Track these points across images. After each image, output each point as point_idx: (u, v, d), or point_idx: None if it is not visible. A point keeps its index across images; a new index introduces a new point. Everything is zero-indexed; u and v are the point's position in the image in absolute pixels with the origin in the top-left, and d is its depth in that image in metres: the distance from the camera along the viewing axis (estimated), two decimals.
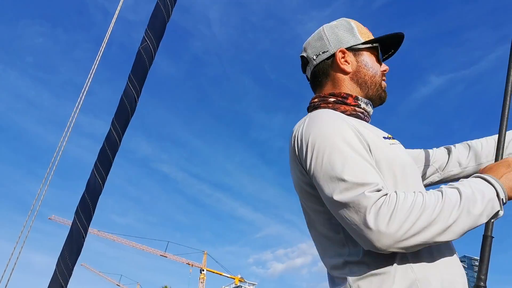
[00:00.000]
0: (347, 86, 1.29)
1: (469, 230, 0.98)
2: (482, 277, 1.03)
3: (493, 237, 1.06)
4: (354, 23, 1.34)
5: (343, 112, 1.23)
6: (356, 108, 1.25)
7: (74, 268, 1.59)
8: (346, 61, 1.29)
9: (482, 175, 1.03)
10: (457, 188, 1.00)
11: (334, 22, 1.36)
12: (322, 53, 1.31)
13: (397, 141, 1.23)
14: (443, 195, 0.98)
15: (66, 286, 1.54)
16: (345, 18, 1.37)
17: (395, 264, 1.02)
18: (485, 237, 1.06)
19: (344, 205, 0.98)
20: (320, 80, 1.33)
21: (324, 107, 1.24)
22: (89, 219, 1.63)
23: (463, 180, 1.04)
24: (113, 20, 1.81)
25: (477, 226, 0.99)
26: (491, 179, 1.01)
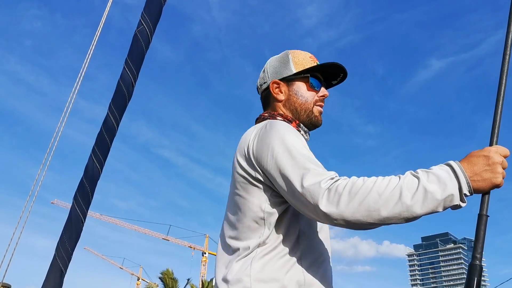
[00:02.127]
0: (287, 111, 1.46)
1: (423, 215, 1.06)
2: (478, 255, 1.04)
3: (488, 216, 1.07)
4: (293, 55, 1.49)
5: None
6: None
7: (74, 252, 1.60)
8: (279, 90, 1.47)
9: (453, 164, 1.08)
10: (418, 177, 1.06)
11: (277, 56, 1.54)
12: (263, 83, 1.51)
13: None
14: (400, 180, 1.06)
15: (65, 271, 1.54)
16: (287, 51, 1.52)
17: (292, 261, 1.22)
18: (480, 216, 1.07)
19: (304, 192, 1.11)
20: (265, 105, 1.53)
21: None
22: (87, 204, 1.63)
23: (433, 167, 1.10)
24: (109, 4, 1.79)
25: (434, 213, 1.06)
26: (460, 171, 1.06)
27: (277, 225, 1.26)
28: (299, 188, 1.12)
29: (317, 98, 1.47)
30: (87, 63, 1.86)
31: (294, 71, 1.46)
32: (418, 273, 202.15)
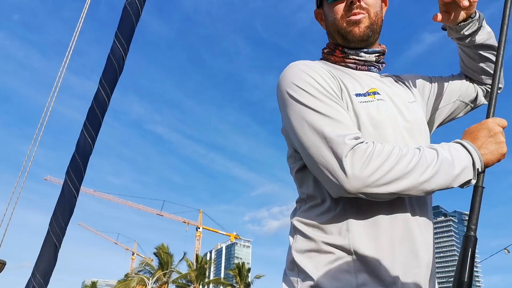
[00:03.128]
0: (330, 38, 1.36)
1: (438, 190, 1.05)
2: (472, 226, 1.04)
3: (484, 188, 1.07)
4: None
5: (333, 62, 1.33)
6: (345, 59, 1.30)
7: (68, 228, 1.60)
8: (321, 19, 1.41)
9: (462, 141, 1.08)
10: (436, 150, 1.05)
11: None
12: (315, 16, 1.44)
13: (383, 97, 1.23)
14: (421, 152, 1.03)
15: (59, 245, 1.55)
16: None
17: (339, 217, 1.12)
18: (475, 187, 1.07)
19: (321, 148, 1.05)
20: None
21: (322, 57, 1.38)
22: (80, 179, 1.62)
23: (443, 143, 1.09)
24: None
25: (448, 189, 1.04)
26: (470, 147, 1.06)
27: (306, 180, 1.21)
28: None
29: (343, 12, 1.28)
30: (76, 37, 1.83)
31: None
32: None
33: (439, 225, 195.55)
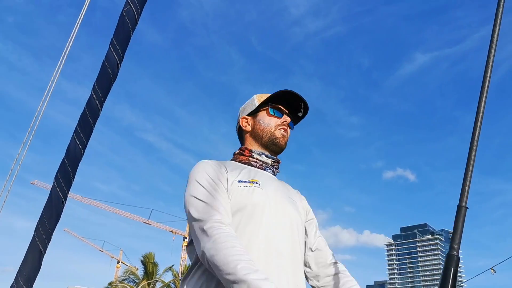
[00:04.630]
0: (248, 141, 1.75)
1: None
2: (455, 246, 1.05)
3: (467, 208, 1.08)
4: (257, 95, 1.79)
5: (240, 161, 1.69)
6: (250, 158, 1.69)
7: (54, 233, 1.58)
8: (247, 123, 1.77)
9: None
10: (256, 270, 1.23)
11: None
12: (236, 124, 1.83)
13: (261, 186, 1.55)
14: (245, 261, 1.24)
15: (45, 251, 1.53)
16: (254, 95, 1.81)
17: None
18: (459, 207, 1.07)
19: (192, 228, 1.41)
20: (240, 141, 1.82)
21: (232, 158, 1.74)
22: (69, 184, 1.60)
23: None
24: None
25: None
26: None
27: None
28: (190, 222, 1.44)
29: (279, 123, 1.72)
30: (71, 43, 1.82)
31: (257, 105, 1.75)
32: (396, 262, 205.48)
33: (426, 243, 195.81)
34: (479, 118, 1.16)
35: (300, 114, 1.80)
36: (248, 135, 1.75)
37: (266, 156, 1.70)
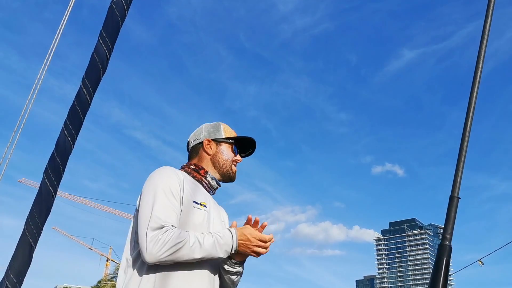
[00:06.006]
0: (206, 163, 1.96)
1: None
2: (447, 236, 1.06)
3: (460, 198, 1.09)
4: (223, 125, 2.05)
5: (193, 177, 1.89)
6: (203, 179, 1.90)
7: (44, 228, 1.57)
8: (210, 147, 1.98)
9: (233, 233, 1.70)
10: (212, 240, 1.64)
11: (211, 123, 2.06)
12: (197, 139, 2.01)
13: (207, 210, 1.81)
14: (198, 239, 1.61)
15: (35, 245, 1.52)
16: (219, 122, 2.06)
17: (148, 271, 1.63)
18: (451, 198, 1.09)
19: (141, 232, 1.59)
20: (192, 155, 2.02)
21: (183, 169, 1.94)
22: (58, 178, 1.59)
23: (223, 230, 1.70)
24: None
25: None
26: (235, 241, 1.68)
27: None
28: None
29: (234, 159, 1.99)
30: (57, 40, 1.80)
31: (224, 136, 2.00)
32: (385, 257, 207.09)
33: (414, 237, 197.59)
34: (471, 109, 1.17)
35: (242, 155, 2.09)
36: (209, 158, 1.97)
37: (217, 182, 1.95)
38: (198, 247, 1.59)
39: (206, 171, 1.92)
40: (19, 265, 1.46)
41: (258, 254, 1.73)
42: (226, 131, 2.04)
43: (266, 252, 1.73)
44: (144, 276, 1.61)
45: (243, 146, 2.07)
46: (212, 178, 1.92)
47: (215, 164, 1.96)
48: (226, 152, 1.98)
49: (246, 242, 1.69)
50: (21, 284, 1.46)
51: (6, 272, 1.44)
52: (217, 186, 1.96)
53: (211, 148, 1.97)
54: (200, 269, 1.70)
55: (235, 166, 2.01)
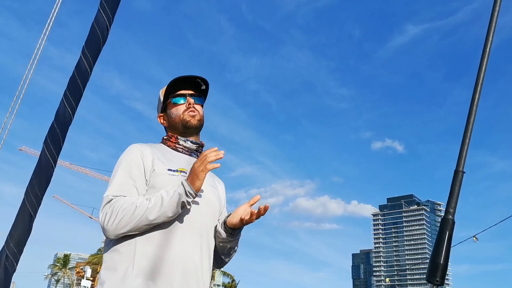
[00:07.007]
0: (171, 131, 1.93)
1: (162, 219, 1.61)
2: (451, 210, 1.05)
3: (464, 172, 1.08)
4: (160, 92, 1.98)
5: (168, 146, 1.90)
6: (176, 145, 1.89)
7: (43, 197, 1.57)
8: (163, 119, 1.98)
9: (184, 183, 1.63)
10: (161, 195, 1.61)
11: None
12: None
13: (186, 175, 1.72)
14: (147, 201, 1.60)
15: (35, 215, 1.52)
16: (160, 91, 1.99)
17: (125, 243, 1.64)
18: (456, 172, 1.08)
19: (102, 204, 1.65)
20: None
21: (161, 142, 1.95)
22: (58, 149, 1.59)
23: (173, 188, 1.63)
24: None
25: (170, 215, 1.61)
26: (188, 189, 1.61)
27: None
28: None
29: (185, 108, 1.89)
30: (57, 7, 1.77)
31: (162, 101, 1.96)
32: (382, 232, 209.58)
33: (412, 213, 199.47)
34: (480, 82, 1.15)
35: (203, 87, 1.96)
36: (168, 129, 1.96)
37: (191, 142, 1.89)
38: (147, 203, 1.58)
39: (176, 136, 1.90)
40: (19, 235, 1.48)
41: (212, 163, 1.63)
42: (161, 94, 1.97)
43: (221, 156, 1.65)
44: (126, 242, 1.63)
45: (189, 84, 1.94)
46: (184, 140, 1.89)
47: (174, 127, 1.91)
48: (171, 112, 1.92)
49: (194, 170, 1.63)
50: (21, 253, 1.48)
51: (6, 241, 1.46)
52: (197, 145, 1.91)
53: (164, 121, 1.97)
54: (187, 229, 1.69)
55: (191, 111, 1.89)
